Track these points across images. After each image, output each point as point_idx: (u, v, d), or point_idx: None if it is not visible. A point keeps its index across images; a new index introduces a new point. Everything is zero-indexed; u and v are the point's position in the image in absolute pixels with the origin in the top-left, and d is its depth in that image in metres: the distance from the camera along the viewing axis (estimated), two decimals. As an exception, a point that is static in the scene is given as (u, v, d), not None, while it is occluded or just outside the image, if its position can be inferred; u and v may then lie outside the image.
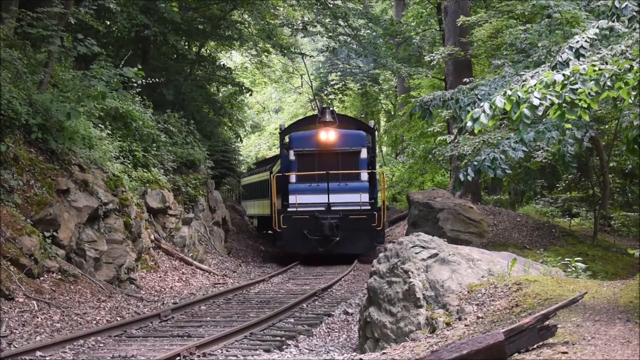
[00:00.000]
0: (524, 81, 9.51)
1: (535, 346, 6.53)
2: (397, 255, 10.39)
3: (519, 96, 7.54)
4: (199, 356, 10.04)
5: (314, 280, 17.23)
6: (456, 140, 19.06)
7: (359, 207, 18.77)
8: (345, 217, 18.71)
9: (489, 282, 9.85)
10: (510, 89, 7.91)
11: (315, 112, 32.99)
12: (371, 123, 25.45)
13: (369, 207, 18.99)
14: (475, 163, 11.53)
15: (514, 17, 19.13)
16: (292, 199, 19.95)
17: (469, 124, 8.04)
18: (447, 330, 9.02)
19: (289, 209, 19.73)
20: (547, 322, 6.85)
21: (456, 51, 24.92)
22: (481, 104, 8.30)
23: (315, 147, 20.16)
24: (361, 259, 19.29)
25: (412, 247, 10.55)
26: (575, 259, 11.29)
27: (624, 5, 9.97)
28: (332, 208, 18.84)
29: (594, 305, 8.29)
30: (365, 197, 19.23)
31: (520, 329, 6.68)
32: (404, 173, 33.96)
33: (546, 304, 8.03)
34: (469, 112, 9.61)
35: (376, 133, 30.67)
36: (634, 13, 10.00)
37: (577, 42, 10.48)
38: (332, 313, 13.70)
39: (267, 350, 10.39)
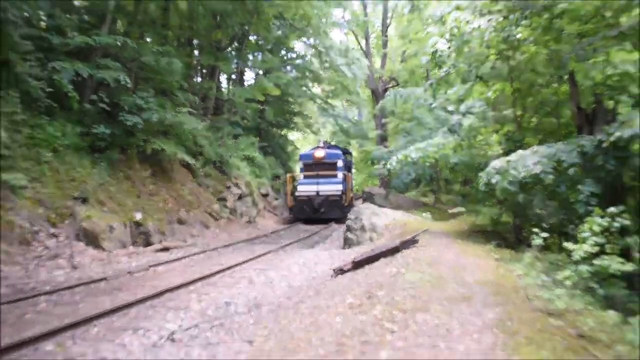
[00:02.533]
0: (408, 149, 14.20)
1: (411, 247, 9.69)
2: (358, 212, 15.77)
3: (407, 155, 13.46)
4: (283, 248, 15.31)
5: (315, 227, 22.89)
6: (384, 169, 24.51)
7: (333, 193, 24.98)
8: (326, 198, 24.88)
9: (394, 222, 14.86)
10: (404, 153, 13.62)
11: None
12: (350, 148, 36.12)
13: (340, 193, 25.02)
14: (396, 181, 19.33)
15: (404, 120, 27.53)
16: (299, 188, 25.89)
17: (389, 165, 14.57)
18: (377, 241, 13.47)
19: (295, 194, 25.83)
20: (416, 238, 10.48)
21: (380, 132, 35.79)
22: (392, 158, 14.16)
23: (313, 160, 26.42)
24: (335, 222, 24.20)
25: (363, 209, 16.25)
26: (424, 214, 16.93)
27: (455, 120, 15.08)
28: (320, 194, 25.04)
29: (434, 231, 12.51)
30: (338, 188, 25.25)
31: (405, 240, 9.93)
32: (364, 180, 42.19)
33: (416, 231, 11.72)
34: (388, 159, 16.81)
35: (353, 154, 40.54)
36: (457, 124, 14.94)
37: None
38: (331, 235, 19.95)
39: (308, 248, 15.52)
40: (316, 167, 26.10)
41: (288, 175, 28.51)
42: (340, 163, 26.39)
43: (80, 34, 15.48)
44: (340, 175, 26.06)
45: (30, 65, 13.61)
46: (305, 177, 26.37)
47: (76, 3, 18.41)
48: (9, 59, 12.83)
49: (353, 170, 38.25)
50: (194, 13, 23.11)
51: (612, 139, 7.96)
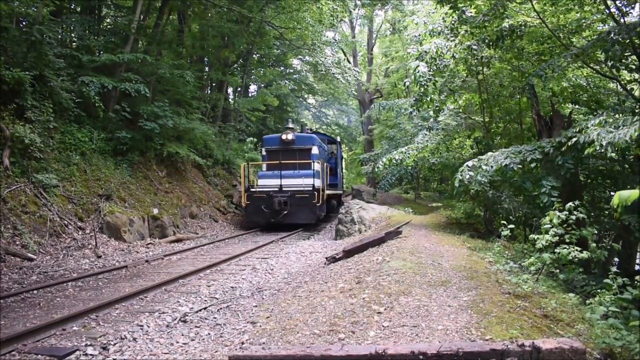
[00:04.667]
0: (392, 153, 14.10)
1: (395, 238, 9.42)
2: (348, 207, 15.71)
3: (391, 158, 13.42)
4: (282, 239, 14.99)
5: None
6: (371, 171, 22.45)
7: (301, 189, 16.92)
8: (292, 196, 16.81)
9: (379, 216, 14.76)
10: (389, 156, 13.66)
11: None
12: (338, 138, 25.20)
13: (310, 189, 16.91)
14: (382, 182, 19.24)
15: (388, 126, 26.41)
16: (260, 182, 18.14)
17: (377, 167, 15.21)
18: (365, 233, 13.42)
19: (251, 189, 17.60)
20: (399, 229, 10.17)
21: (367, 137, 34.32)
22: (379, 162, 14.29)
23: (280, 145, 18.24)
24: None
25: (352, 204, 16.20)
26: (406, 208, 16.47)
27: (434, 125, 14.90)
28: (283, 189, 16.99)
29: (415, 224, 12.26)
30: (309, 182, 17.18)
31: (390, 231, 9.72)
32: (353, 179, 41.01)
33: (399, 223, 11.71)
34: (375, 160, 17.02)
35: (342, 146, 28.82)
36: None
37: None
38: (325, 227, 18.74)
39: (304, 240, 15.13)
40: (284, 155, 18.10)
41: (243, 164, 19.19)
42: (315, 150, 18.42)
43: (106, 53, 15.71)
44: (315, 165, 17.92)
45: (63, 80, 13.73)
46: (269, 167, 18.40)
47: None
48: (44, 74, 12.87)
49: (343, 165, 30.91)
50: (205, 34, 23.09)
51: (570, 143, 7.95)
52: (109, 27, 19.73)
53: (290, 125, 20.10)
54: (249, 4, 21.93)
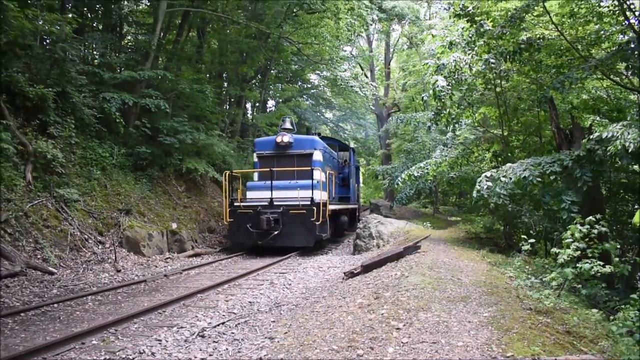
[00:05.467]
0: (410, 168, 14.29)
1: (413, 253, 9.39)
2: (366, 222, 15.42)
3: (410, 174, 13.42)
4: (300, 253, 14.46)
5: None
6: (388, 185, 23.34)
7: (297, 202, 14.06)
8: (286, 212, 13.94)
9: (398, 230, 14.57)
10: (407, 172, 13.68)
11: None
12: (351, 144, 21.77)
13: (308, 203, 14.01)
14: (400, 195, 19.10)
15: (406, 140, 26.03)
16: (248, 194, 15.20)
17: (396, 184, 14.86)
18: (383, 248, 13.22)
19: (235, 204, 14.69)
20: (418, 244, 10.03)
21: (385, 151, 33.84)
22: (398, 178, 14.49)
23: (275, 150, 15.47)
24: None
25: (370, 219, 15.95)
26: (425, 223, 16.35)
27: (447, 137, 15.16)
28: (274, 203, 14.11)
29: (433, 238, 12.18)
30: (308, 194, 14.26)
31: (408, 246, 9.62)
32: (371, 193, 41.09)
33: (417, 238, 11.43)
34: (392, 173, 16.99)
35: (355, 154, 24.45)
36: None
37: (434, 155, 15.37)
38: (343, 242, 18.23)
39: (322, 254, 14.75)
40: (279, 161, 15.40)
41: (226, 172, 15.36)
42: (318, 155, 15.50)
43: (127, 69, 15.87)
44: (317, 174, 14.84)
45: (84, 96, 13.93)
46: (261, 176, 15.56)
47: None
48: (66, 91, 13.09)
49: (360, 177, 27.71)
50: (224, 50, 23.33)
51: (587, 146, 8.05)
52: (129, 44, 20.01)
53: (287, 126, 16.43)
54: (267, 20, 22.14)
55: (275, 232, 13.89)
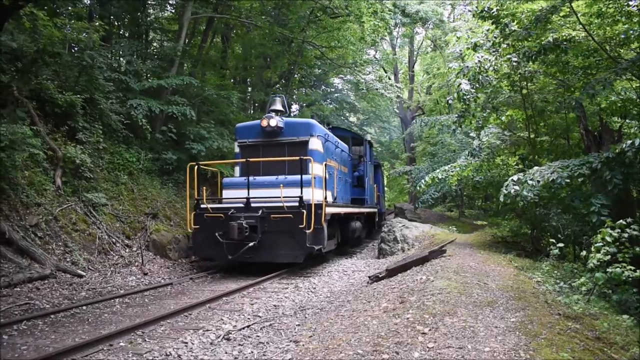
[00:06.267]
0: (435, 171, 14.43)
1: (439, 257, 9.41)
2: (390, 225, 15.39)
3: (434, 177, 13.48)
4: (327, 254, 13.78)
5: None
6: (412, 187, 23.35)
7: (281, 204, 10.64)
8: (265, 216, 10.66)
9: (423, 234, 14.51)
10: (431, 175, 13.67)
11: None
12: (367, 136, 18.66)
13: (296, 204, 10.59)
14: (423, 197, 18.92)
15: (430, 144, 25.90)
16: (224, 193, 12.00)
17: (419, 186, 14.66)
18: (408, 252, 13.16)
19: (202, 206, 11.41)
20: (443, 248, 10.12)
21: (409, 154, 33.93)
22: (421, 179, 14.59)
23: (261, 137, 12.23)
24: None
25: (395, 222, 15.98)
26: (450, 227, 16.27)
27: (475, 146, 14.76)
28: (253, 205, 10.90)
29: (459, 242, 12.29)
30: (296, 192, 10.77)
31: (434, 250, 9.66)
32: (395, 196, 40.60)
33: (443, 242, 11.58)
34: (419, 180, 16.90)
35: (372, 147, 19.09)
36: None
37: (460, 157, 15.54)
38: (367, 246, 18.04)
39: (347, 258, 14.53)
40: (265, 151, 12.20)
41: (190, 165, 11.83)
42: (315, 144, 12.13)
43: (153, 76, 16.07)
44: (314, 168, 11.50)
45: (112, 103, 14.19)
46: (243, 170, 12.24)
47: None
48: (94, 97, 13.37)
49: (381, 176, 23.64)
50: (248, 55, 23.50)
51: (617, 150, 7.94)
52: (155, 50, 20.32)
53: (277, 107, 12.79)
54: (291, 25, 22.25)
55: (251, 244, 10.48)
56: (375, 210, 19.16)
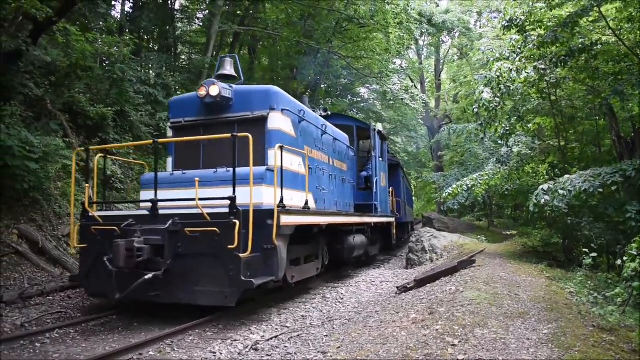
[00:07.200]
0: (463, 180, 13.96)
1: (468, 267, 9.29)
2: (418, 235, 15.20)
3: (462, 184, 13.23)
4: (351, 266, 14.06)
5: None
6: (438, 195, 22.88)
7: (200, 212, 6.66)
8: (176, 230, 6.81)
9: (451, 244, 14.47)
10: (458, 184, 13.40)
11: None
12: (378, 127, 14.48)
13: (225, 211, 6.65)
14: (450, 202, 18.54)
15: (458, 153, 25.75)
16: (142, 194, 8.46)
17: (444, 195, 14.60)
18: (437, 262, 13.12)
19: (89, 215, 7.73)
20: (473, 258, 10.17)
21: (437, 163, 34.47)
22: (448, 187, 14.14)
23: (202, 114, 8.57)
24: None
25: (423, 232, 15.78)
26: (479, 236, 16.12)
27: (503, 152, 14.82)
28: (161, 212, 7.20)
29: (489, 252, 12.48)
30: (230, 193, 6.70)
31: (463, 260, 9.54)
32: (423, 206, 40.12)
33: (472, 252, 11.79)
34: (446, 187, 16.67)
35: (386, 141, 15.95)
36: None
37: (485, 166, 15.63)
38: (396, 256, 18.11)
39: (375, 269, 14.54)
40: (206, 132, 8.33)
41: (77, 150, 9.22)
42: (278, 122, 8.29)
43: (182, 88, 16.26)
44: (272, 154, 7.72)
45: (141, 115, 14.46)
46: (177, 161, 9.00)
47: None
48: (125, 110, 13.68)
49: (403, 179, 19.72)
50: (275, 67, 23.70)
51: None
52: (184, 63, 20.64)
53: (226, 70, 9.01)
54: (317, 37, 22.36)
55: (150, 275, 6.72)
56: (391, 219, 15.59)
